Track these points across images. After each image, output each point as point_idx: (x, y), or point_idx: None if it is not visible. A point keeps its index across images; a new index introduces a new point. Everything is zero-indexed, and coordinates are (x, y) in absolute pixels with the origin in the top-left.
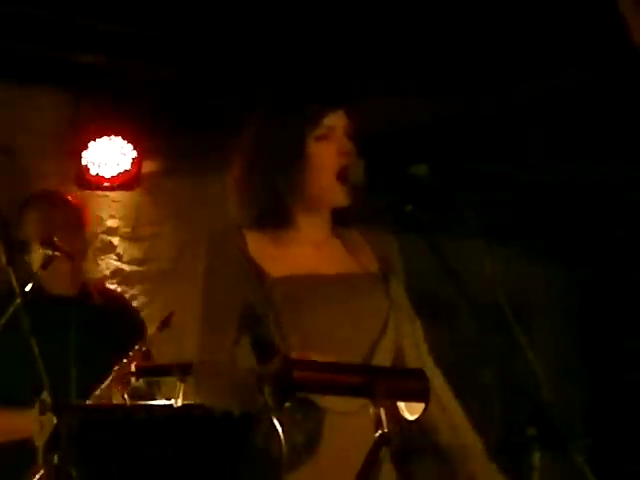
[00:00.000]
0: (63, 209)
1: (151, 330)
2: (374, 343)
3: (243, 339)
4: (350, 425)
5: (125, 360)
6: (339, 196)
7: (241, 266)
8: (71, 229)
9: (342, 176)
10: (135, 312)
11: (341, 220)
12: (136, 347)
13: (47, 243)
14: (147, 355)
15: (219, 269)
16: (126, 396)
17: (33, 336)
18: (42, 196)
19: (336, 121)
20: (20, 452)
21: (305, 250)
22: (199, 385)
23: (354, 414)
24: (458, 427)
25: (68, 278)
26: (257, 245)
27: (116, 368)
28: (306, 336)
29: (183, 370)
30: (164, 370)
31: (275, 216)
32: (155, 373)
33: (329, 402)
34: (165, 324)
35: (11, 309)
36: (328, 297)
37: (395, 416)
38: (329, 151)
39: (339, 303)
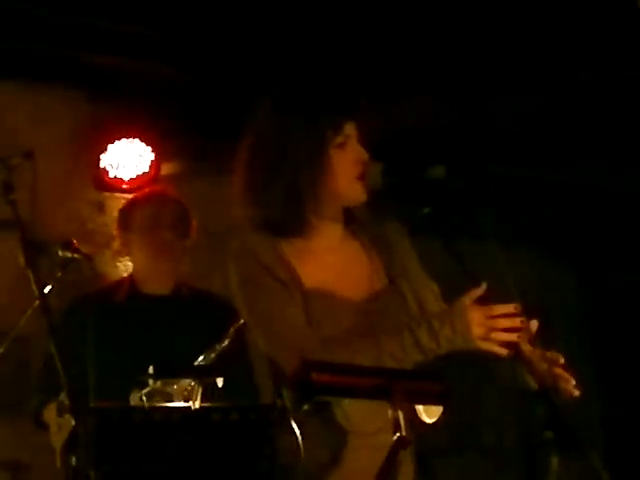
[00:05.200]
0: (171, 209)
1: None
2: None
3: None
4: (373, 443)
5: (223, 340)
6: (358, 194)
7: (279, 273)
8: (177, 230)
9: (360, 177)
10: (223, 299)
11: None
12: (231, 328)
13: (66, 246)
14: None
15: (259, 276)
16: (144, 398)
17: (130, 332)
18: (150, 196)
19: (351, 129)
20: None
21: (324, 260)
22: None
23: (375, 433)
24: None
25: (162, 278)
26: (291, 252)
27: (216, 347)
28: None
29: (201, 372)
30: (182, 372)
31: (294, 225)
32: (173, 375)
33: (349, 424)
34: None
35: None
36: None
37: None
38: (347, 159)
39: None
